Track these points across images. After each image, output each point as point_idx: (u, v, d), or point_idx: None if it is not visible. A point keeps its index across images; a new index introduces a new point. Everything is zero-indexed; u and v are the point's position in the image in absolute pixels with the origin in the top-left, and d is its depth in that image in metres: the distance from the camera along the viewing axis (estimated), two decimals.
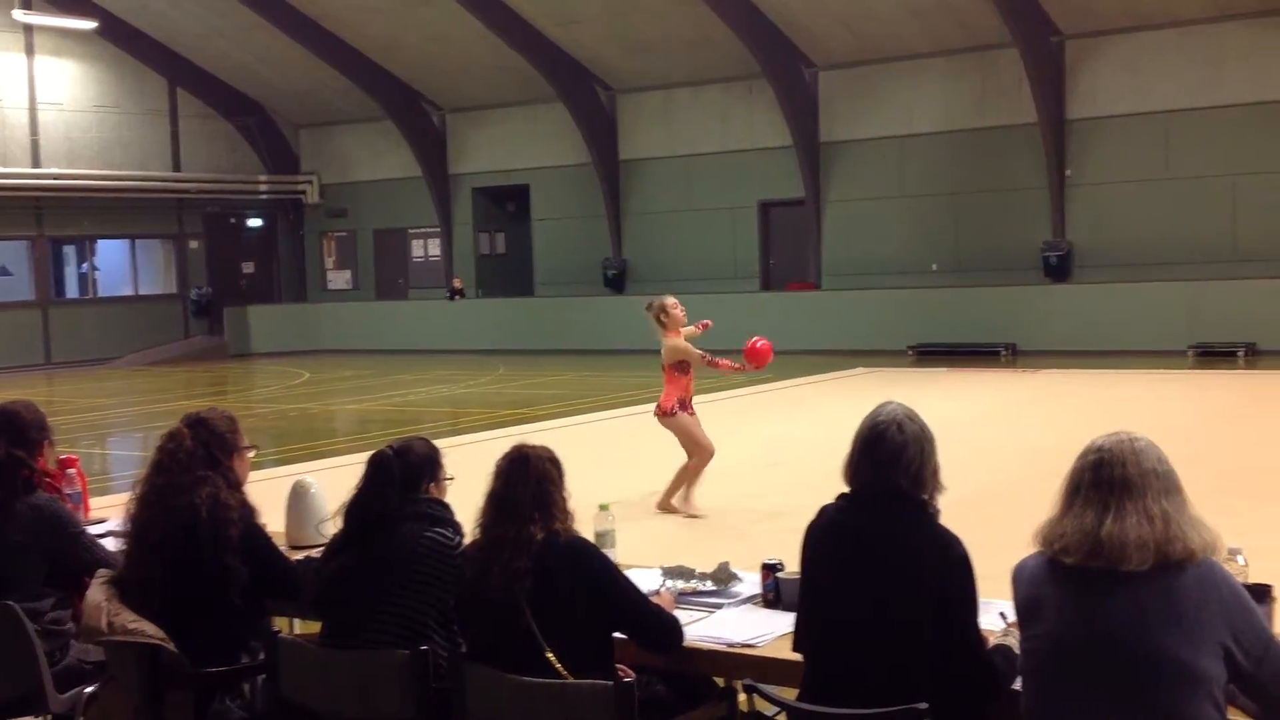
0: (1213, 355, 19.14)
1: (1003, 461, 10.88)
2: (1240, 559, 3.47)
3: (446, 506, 3.87)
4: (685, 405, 9.04)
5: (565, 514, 3.52)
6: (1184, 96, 21.03)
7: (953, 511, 6.83)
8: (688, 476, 9.13)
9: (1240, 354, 19.02)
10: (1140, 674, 2.69)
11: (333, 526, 3.96)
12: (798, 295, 24.37)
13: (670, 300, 9.16)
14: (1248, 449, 11.22)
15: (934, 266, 23.35)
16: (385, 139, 29.14)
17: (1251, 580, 3.36)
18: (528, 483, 3.49)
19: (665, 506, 9.11)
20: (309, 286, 31.62)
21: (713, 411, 15.49)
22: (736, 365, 9.13)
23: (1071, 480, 2.89)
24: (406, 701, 3.50)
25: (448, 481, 3.96)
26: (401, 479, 3.80)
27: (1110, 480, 2.80)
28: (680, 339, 9.02)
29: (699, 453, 9.07)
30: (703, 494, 9.28)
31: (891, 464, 3.23)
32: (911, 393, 16.29)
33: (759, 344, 9.11)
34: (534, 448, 3.61)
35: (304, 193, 31.04)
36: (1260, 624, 2.79)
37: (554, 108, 26.55)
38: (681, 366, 8.98)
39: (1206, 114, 20.85)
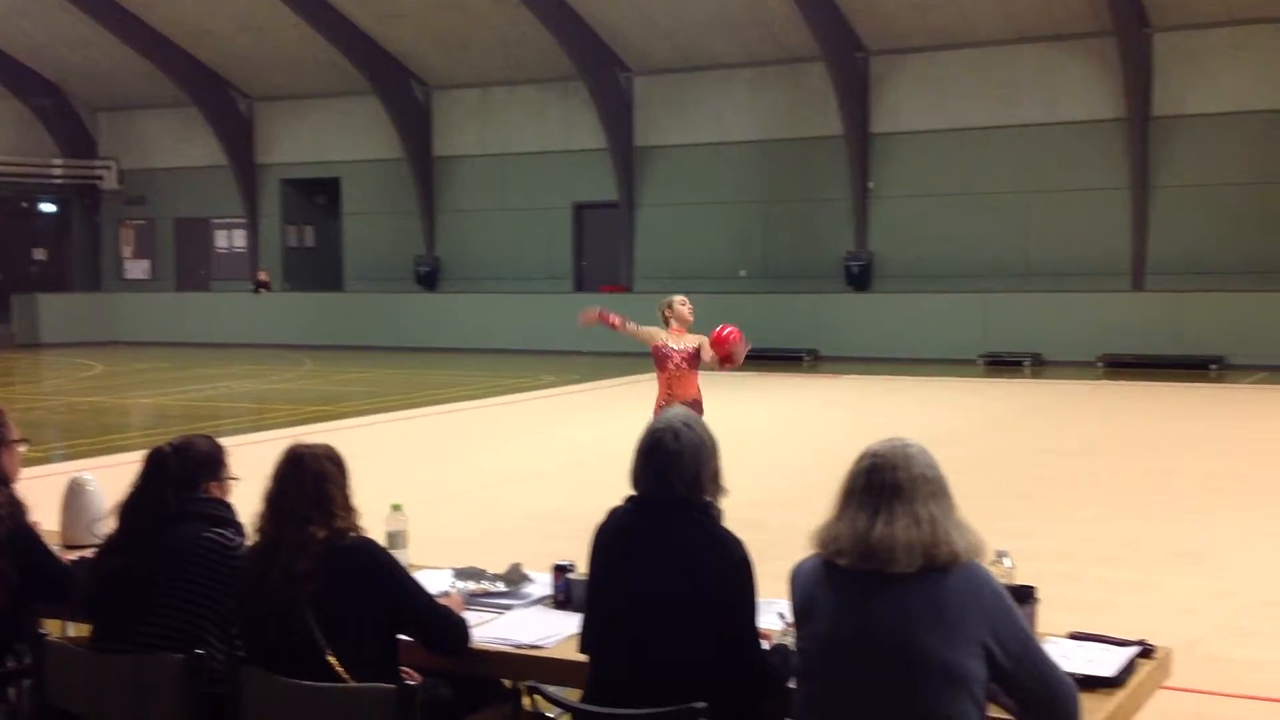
0: (1001, 365, 19.98)
1: (798, 464, 11.13)
2: (1007, 561, 3.61)
3: (228, 506, 3.76)
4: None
5: (348, 512, 3.46)
6: (981, 115, 21.89)
7: (746, 513, 7.00)
8: None
9: (1026, 364, 19.89)
10: (905, 672, 2.77)
11: (108, 525, 3.81)
12: (610, 297, 24.50)
13: (679, 298, 8.41)
14: (1028, 455, 11.73)
15: (742, 272, 23.78)
16: (189, 125, 28.26)
17: (1017, 582, 3.51)
18: (304, 482, 3.41)
19: None
20: (104, 275, 30.44)
21: (521, 411, 15.52)
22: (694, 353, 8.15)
23: (846, 484, 2.97)
24: (180, 707, 3.39)
25: (231, 481, 3.85)
26: (181, 477, 3.68)
27: (881, 485, 2.88)
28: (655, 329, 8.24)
29: None
30: (502, 494, 9.22)
31: (667, 471, 3.28)
32: (715, 395, 16.53)
33: (726, 332, 8.11)
34: (311, 446, 3.53)
35: (101, 178, 29.87)
36: (1020, 625, 2.89)
37: (367, 101, 26.15)
38: (655, 360, 8.23)
39: (1001, 133, 21.74)
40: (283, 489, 3.43)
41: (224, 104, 27.89)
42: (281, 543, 3.36)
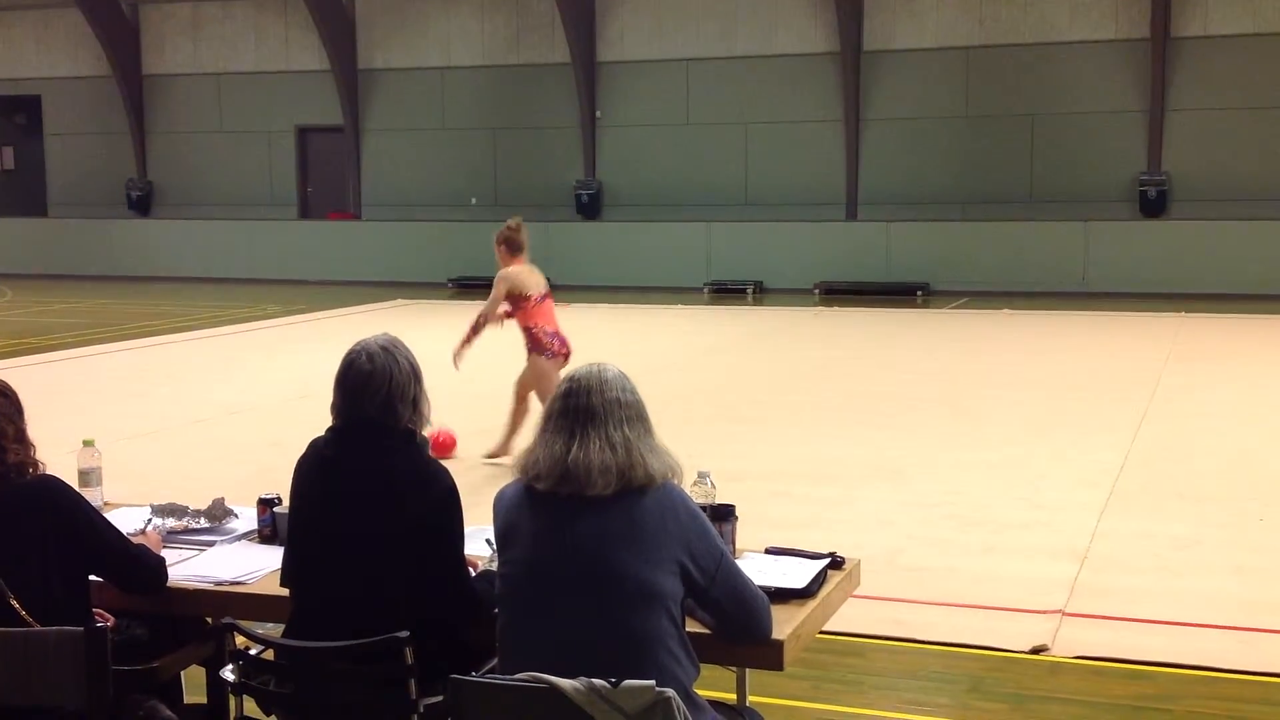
0: (725, 292, 20.52)
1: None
2: (709, 482, 3.73)
3: None
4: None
5: (22, 447, 3.28)
6: (702, 46, 22.22)
7: (465, 443, 6.89)
8: None
9: (749, 291, 20.50)
10: (602, 592, 2.83)
11: None
12: (337, 225, 23.95)
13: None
14: (745, 380, 12.10)
15: (473, 200, 23.58)
16: None
17: (719, 502, 3.63)
18: None
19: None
20: None
21: (241, 343, 15.03)
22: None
23: (546, 409, 3.00)
24: None
25: None
26: None
27: (576, 409, 2.93)
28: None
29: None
30: (217, 429, 8.94)
31: (358, 393, 3.25)
32: (446, 324, 16.41)
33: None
34: None
35: None
36: (714, 543, 2.98)
37: (68, 13, 24.59)
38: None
39: (722, 64, 22.15)
40: None
41: None
42: None
